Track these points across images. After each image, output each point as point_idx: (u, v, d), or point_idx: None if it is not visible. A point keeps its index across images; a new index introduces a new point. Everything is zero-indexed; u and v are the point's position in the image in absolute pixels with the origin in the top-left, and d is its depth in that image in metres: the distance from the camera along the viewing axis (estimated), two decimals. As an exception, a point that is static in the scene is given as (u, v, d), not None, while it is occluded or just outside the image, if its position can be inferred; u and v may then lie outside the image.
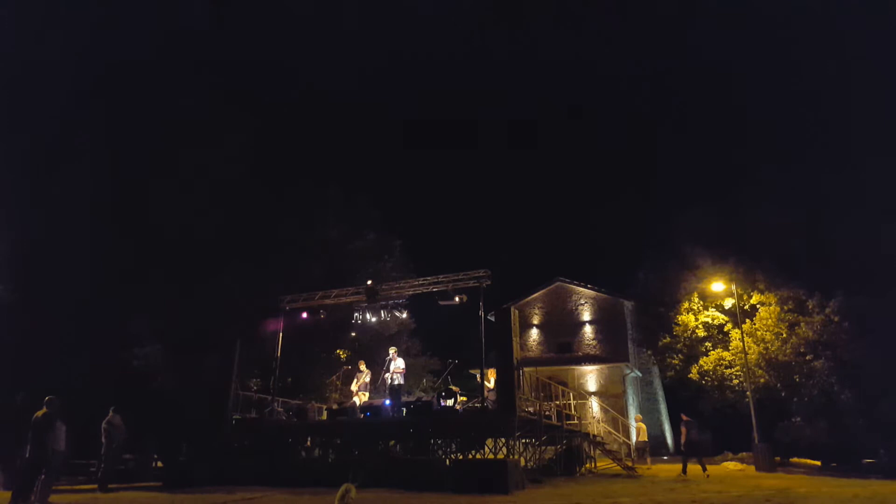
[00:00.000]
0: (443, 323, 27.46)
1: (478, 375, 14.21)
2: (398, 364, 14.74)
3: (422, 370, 26.35)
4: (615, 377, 27.81)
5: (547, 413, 14.79)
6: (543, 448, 16.17)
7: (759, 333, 20.03)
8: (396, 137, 69.63)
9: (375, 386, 15.85)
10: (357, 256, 23.77)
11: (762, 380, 19.82)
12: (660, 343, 23.32)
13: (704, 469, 14.75)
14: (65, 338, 17.46)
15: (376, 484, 10.51)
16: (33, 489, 9.45)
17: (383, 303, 15.53)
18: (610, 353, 28.96)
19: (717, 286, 20.56)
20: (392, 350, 15.28)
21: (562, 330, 30.73)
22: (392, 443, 14.80)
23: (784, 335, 19.53)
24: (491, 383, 13.49)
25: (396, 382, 14.50)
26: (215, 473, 12.88)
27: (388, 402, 14.47)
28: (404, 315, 16.51)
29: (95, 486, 12.58)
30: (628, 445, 21.18)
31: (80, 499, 11.04)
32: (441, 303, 14.42)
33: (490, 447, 15.38)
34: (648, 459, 20.43)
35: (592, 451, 17.93)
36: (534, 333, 31.17)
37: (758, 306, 20.59)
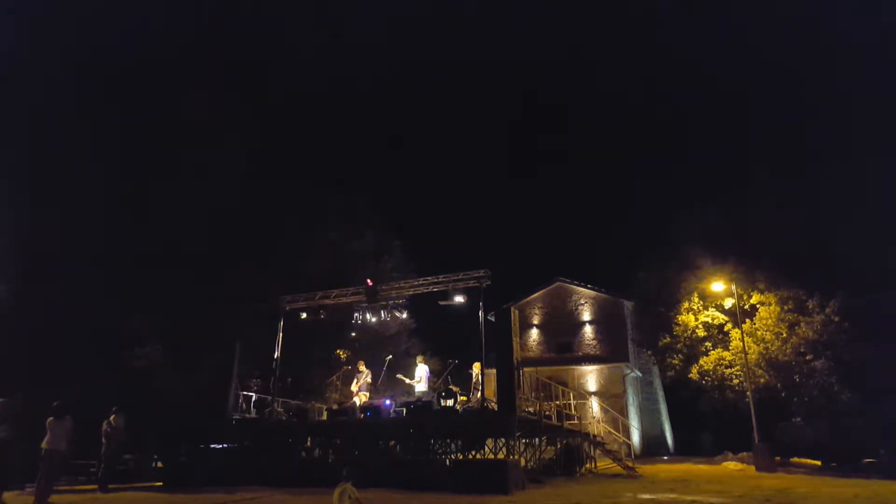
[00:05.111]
0: (443, 323, 27.49)
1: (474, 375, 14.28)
2: (423, 371, 15.34)
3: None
4: (615, 377, 27.78)
5: (547, 413, 14.80)
6: (543, 448, 16.17)
7: (759, 333, 20.02)
8: (396, 135, 69.62)
9: (376, 386, 15.88)
10: (357, 256, 23.80)
11: (762, 380, 19.81)
12: (660, 343, 23.28)
13: None
14: (65, 338, 17.45)
15: (376, 484, 10.50)
16: None
17: (383, 303, 15.52)
18: (610, 353, 28.92)
19: (717, 286, 20.53)
20: (419, 358, 16.09)
21: (562, 330, 30.68)
22: (392, 443, 14.81)
23: (784, 335, 19.52)
24: (474, 377, 13.79)
25: (419, 389, 14.94)
26: (215, 473, 12.89)
27: (387, 401, 14.52)
28: (404, 315, 16.49)
29: (95, 486, 12.60)
30: (628, 445, 21.12)
31: (80, 499, 11.05)
32: (441, 303, 14.44)
33: (490, 447, 15.38)
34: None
35: (592, 451, 17.93)
36: (534, 333, 31.14)
37: (758, 306, 20.57)
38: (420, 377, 15.23)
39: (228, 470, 13.01)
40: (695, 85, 62.25)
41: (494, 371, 12.85)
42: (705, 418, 25.62)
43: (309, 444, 15.57)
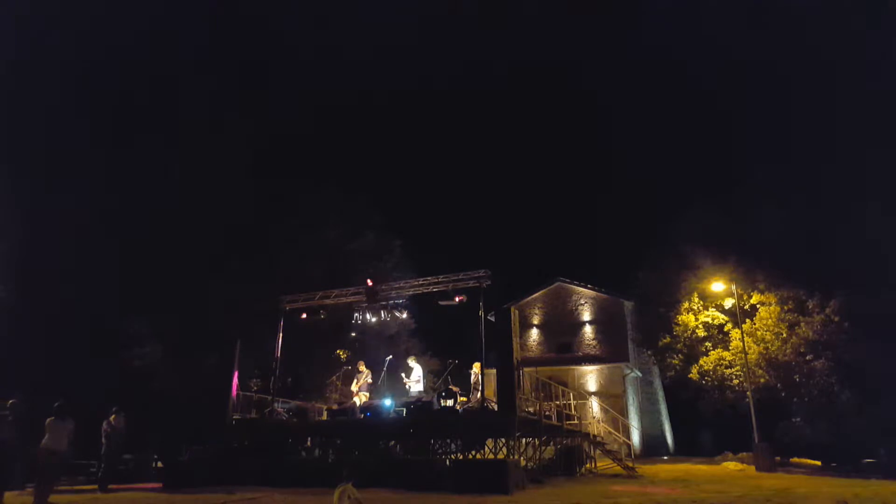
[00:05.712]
0: (443, 323, 27.46)
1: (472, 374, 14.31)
2: (418, 372, 15.37)
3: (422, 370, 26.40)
4: (615, 377, 27.78)
5: (547, 413, 14.78)
6: (543, 448, 16.16)
7: (759, 333, 20.01)
8: (395, 136, 69.61)
9: (376, 386, 15.88)
10: (357, 256, 23.80)
11: (762, 380, 19.81)
12: (660, 343, 23.28)
13: None
14: (65, 338, 17.47)
15: (376, 484, 10.50)
16: None
17: (383, 303, 15.52)
18: (610, 353, 28.92)
19: (717, 286, 20.53)
20: (411, 359, 16.03)
21: (562, 330, 30.68)
22: (392, 443, 14.81)
23: (784, 335, 19.51)
24: (473, 377, 13.84)
25: (416, 390, 14.96)
26: (215, 473, 12.87)
27: (387, 402, 14.52)
28: (404, 315, 16.48)
29: (95, 486, 12.62)
30: (628, 445, 21.10)
31: (80, 499, 11.05)
32: (441, 303, 14.42)
33: (490, 447, 15.37)
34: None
35: (592, 451, 17.93)
36: (534, 333, 31.14)
37: (758, 306, 20.56)
38: (419, 377, 15.31)
39: (228, 470, 12.98)
40: (694, 84, 62.23)
41: (494, 371, 12.84)
42: (705, 418, 25.63)
43: (309, 444, 15.58)
